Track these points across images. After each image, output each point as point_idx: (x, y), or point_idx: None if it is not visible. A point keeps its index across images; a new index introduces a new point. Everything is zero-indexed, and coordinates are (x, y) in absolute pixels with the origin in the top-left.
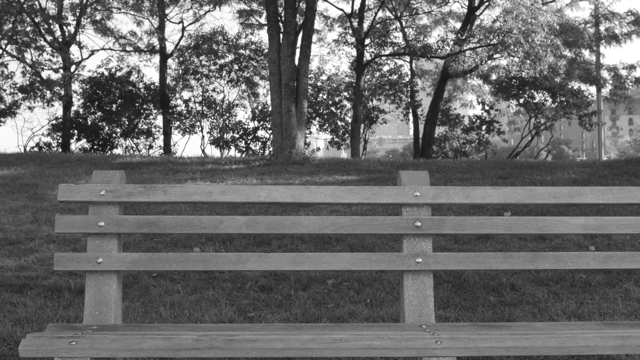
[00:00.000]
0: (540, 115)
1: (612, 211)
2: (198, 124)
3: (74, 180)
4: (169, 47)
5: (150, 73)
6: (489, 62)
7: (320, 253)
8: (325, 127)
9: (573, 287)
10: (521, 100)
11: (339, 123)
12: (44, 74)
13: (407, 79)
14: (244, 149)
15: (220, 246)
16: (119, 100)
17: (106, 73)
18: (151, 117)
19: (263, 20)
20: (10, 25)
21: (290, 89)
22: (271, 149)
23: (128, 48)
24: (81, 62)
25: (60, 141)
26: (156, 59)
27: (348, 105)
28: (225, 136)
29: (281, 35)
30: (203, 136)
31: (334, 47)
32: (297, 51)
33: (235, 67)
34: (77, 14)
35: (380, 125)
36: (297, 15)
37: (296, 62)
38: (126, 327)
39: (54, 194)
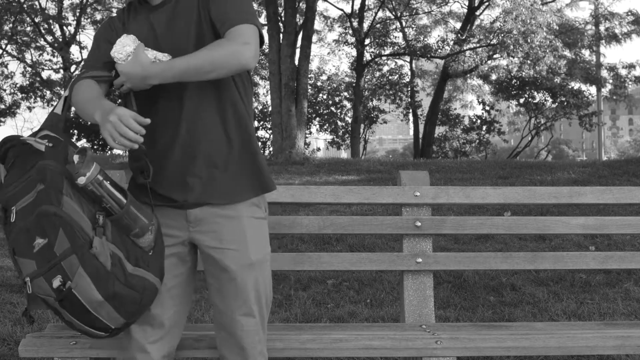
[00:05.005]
0: (541, 115)
1: (612, 211)
2: None
3: None
4: None
5: None
6: (489, 62)
7: (320, 253)
8: (325, 127)
9: (573, 287)
10: (521, 101)
11: (339, 123)
12: (44, 74)
13: (407, 79)
14: None
15: None
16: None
17: None
18: None
19: (263, 20)
20: (10, 25)
21: (290, 89)
22: (271, 149)
23: None
24: (81, 62)
25: None
26: None
27: (348, 105)
28: None
29: (281, 35)
30: None
31: (334, 47)
32: (297, 51)
33: None
34: (77, 14)
35: (380, 125)
36: (297, 15)
37: (296, 62)
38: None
39: None
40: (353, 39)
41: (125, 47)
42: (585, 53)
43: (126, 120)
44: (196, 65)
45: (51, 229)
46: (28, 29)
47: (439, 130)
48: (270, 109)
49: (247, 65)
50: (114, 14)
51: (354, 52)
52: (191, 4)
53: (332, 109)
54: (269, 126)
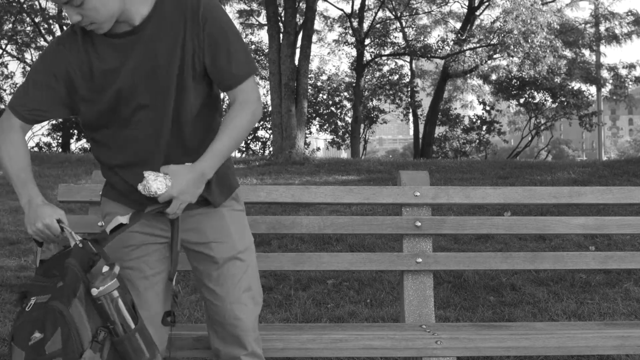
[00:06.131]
0: (541, 115)
1: (612, 211)
2: None
3: (74, 180)
4: None
5: None
6: (489, 62)
7: (320, 253)
8: (325, 127)
9: (573, 287)
10: (521, 101)
11: (339, 123)
12: None
13: (407, 79)
14: (244, 149)
15: None
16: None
17: None
18: None
19: (263, 20)
20: (10, 25)
21: (290, 89)
22: (271, 149)
23: None
24: None
25: (60, 141)
26: None
27: (348, 105)
28: None
29: (281, 35)
30: None
31: (334, 47)
32: (297, 51)
33: None
34: None
35: (380, 125)
36: (297, 15)
37: (296, 62)
38: None
39: (54, 194)
40: (353, 39)
41: (157, 180)
42: (586, 53)
43: (52, 230)
44: (235, 140)
45: (51, 325)
46: (28, 29)
47: (439, 130)
48: (270, 109)
49: (261, 114)
50: (59, 43)
51: (354, 52)
52: (172, 37)
53: (332, 109)
54: (269, 126)
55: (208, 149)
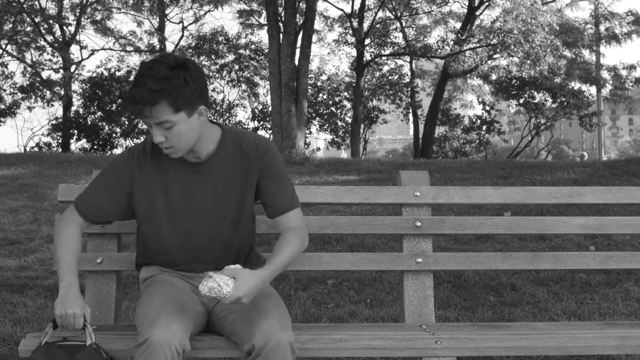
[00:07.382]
0: (541, 115)
1: (612, 211)
2: None
3: (74, 180)
4: (169, 47)
5: None
6: (489, 62)
7: (320, 253)
8: (325, 127)
9: (573, 287)
10: (521, 100)
11: (339, 123)
12: (44, 74)
13: (407, 79)
14: None
15: None
16: (119, 100)
17: (105, 73)
18: None
19: (263, 20)
20: (10, 25)
21: (290, 89)
22: None
23: (128, 48)
24: (81, 62)
25: (60, 141)
26: None
27: (348, 105)
28: None
29: (281, 35)
30: None
31: (334, 47)
32: (297, 51)
33: (236, 67)
34: (77, 14)
35: (380, 125)
36: (297, 15)
37: (296, 62)
38: (126, 327)
39: (54, 194)
40: (353, 39)
41: (227, 284)
42: (585, 53)
43: (77, 321)
44: (290, 260)
45: None
46: (28, 29)
47: (439, 130)
48: (270, 109)
49: (307, 242)
50: (130, 153)
51: (354, 52)
52: (233, 174)
53: (332, 109)
54: (269, 126)
55: (270, 260)
